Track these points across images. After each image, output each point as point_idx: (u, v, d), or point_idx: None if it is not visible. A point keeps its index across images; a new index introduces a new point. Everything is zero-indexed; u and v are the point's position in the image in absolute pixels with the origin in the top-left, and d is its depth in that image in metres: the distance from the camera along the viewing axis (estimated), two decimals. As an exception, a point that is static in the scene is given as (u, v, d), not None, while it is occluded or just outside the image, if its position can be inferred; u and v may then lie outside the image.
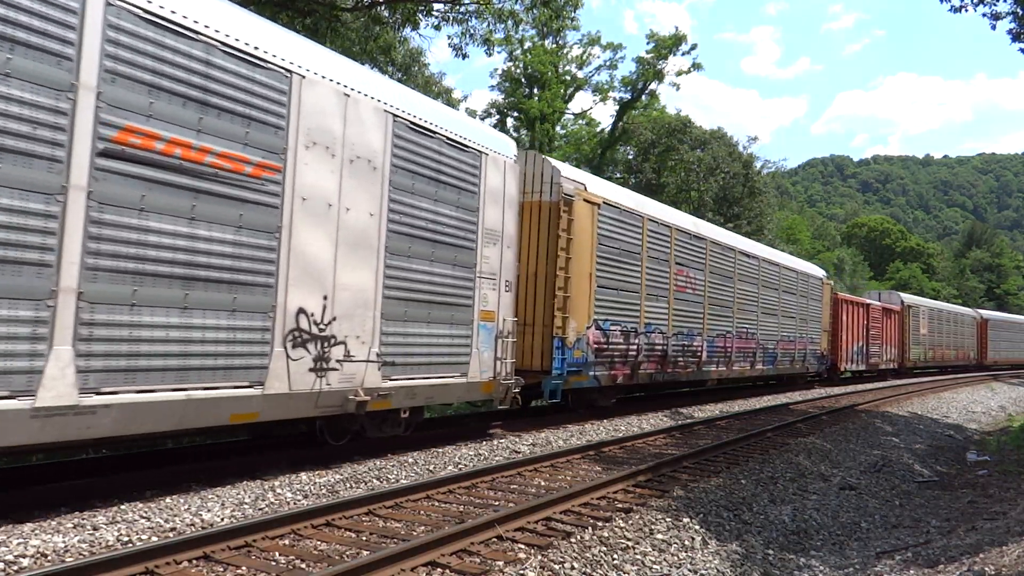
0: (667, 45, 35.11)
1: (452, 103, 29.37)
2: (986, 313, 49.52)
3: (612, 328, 13.03)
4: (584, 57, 36.80)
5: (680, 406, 15.71)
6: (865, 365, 28.72)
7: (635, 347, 13.73)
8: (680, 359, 15.41)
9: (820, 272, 25.51)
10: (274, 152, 6.98)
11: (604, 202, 12.82)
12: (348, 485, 7.05)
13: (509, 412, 11.99)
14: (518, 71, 36.03)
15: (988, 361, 46.59)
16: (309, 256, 7.32)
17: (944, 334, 39.39)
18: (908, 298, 35.31)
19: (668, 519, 6.49)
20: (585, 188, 12.36)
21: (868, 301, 29.57)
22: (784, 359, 21.14)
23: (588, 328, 12.30)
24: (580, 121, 39.78)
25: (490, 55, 24.64)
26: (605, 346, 12.85)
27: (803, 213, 72.60)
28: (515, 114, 36.72)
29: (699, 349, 16.21)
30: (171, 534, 5.29)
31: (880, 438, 13.23)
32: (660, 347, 14.62)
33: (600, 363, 12.72)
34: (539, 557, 5.19)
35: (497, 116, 37.00)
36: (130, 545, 5.01)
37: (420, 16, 17.75)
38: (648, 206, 14.78)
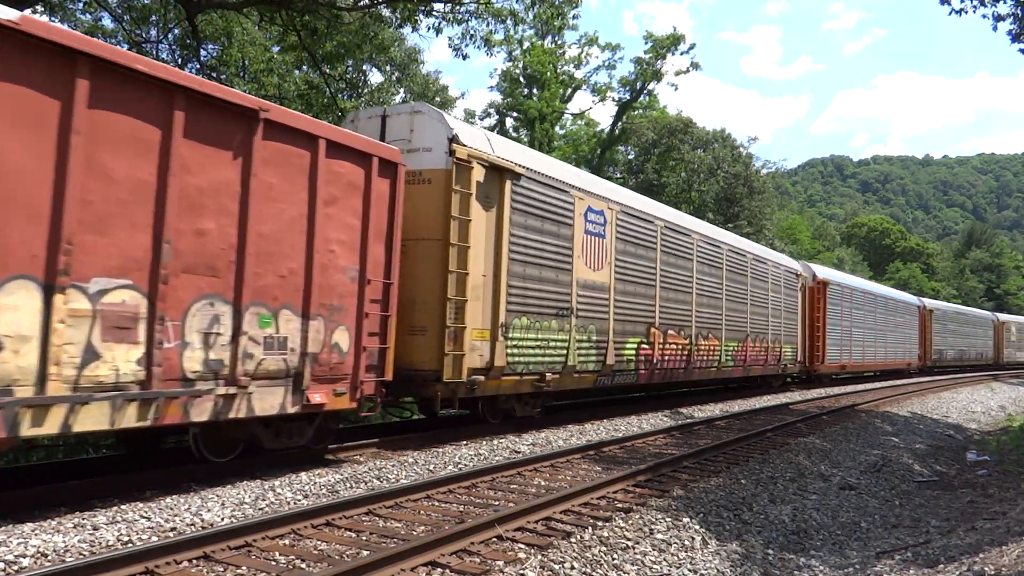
0: (665, 45, 35.11)
1: (447, 101, 29.49)
2: (824, 272, 25.34)
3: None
4: (581, 57, 36.79)
5: (678, 407, 15.72)
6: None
7: None
8: None
9: None
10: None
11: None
12: (348, 485, 7.05)
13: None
14: (517, 71, 36.03)
15: (823, 367, 23.82)
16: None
17: (708, 299, 16.45)
18: (560, 171, 11.77)
19: (668, 519, 6.49)
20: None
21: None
22: None
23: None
24: (579, 121, 39.78)
25: (490, 55, 24.64)
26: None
27: (803, 213, 72.67)
28: (514, 114, 36.73)
29: None
30: (171, 534, 5.29)
31: (880, 438, 13.23)
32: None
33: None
34: (539, 557, 5.19)
35: (496, 116, 37.01)
36: (130, 545, 5.01)
37: (420, 16, 17.71)
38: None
